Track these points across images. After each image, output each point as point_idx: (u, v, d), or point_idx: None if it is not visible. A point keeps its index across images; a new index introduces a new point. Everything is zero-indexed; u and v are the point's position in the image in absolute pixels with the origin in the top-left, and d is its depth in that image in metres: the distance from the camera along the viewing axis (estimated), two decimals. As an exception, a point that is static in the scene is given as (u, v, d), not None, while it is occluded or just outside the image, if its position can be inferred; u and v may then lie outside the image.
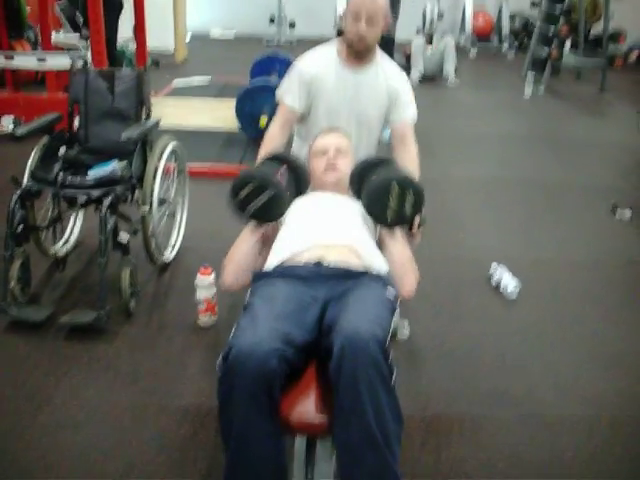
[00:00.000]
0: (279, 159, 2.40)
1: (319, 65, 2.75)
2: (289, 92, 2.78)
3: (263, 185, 2.13)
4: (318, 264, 2.01)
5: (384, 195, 2.12)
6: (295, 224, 2.24)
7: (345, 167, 2.44)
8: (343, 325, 1.67)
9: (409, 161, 2.71)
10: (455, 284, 3.40)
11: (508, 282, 3.31)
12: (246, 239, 2.20)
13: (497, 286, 3.36)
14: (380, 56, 2.79)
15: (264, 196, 2.13)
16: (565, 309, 3.25)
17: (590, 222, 4.37)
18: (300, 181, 2.40)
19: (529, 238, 4.06)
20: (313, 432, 1.75)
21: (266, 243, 2.25)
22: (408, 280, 2.12)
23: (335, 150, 2.46)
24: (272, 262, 2.10)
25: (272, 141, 2.74)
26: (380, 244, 2.24)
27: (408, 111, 2.81)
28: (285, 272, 2.01)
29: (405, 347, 2.80)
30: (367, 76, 2.75)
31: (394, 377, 1.66)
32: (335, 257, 2.03)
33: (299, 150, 2.93)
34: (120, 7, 6.68)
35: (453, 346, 2.88)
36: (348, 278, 1.95)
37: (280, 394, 1.67)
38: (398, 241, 2.18)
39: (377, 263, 2.10)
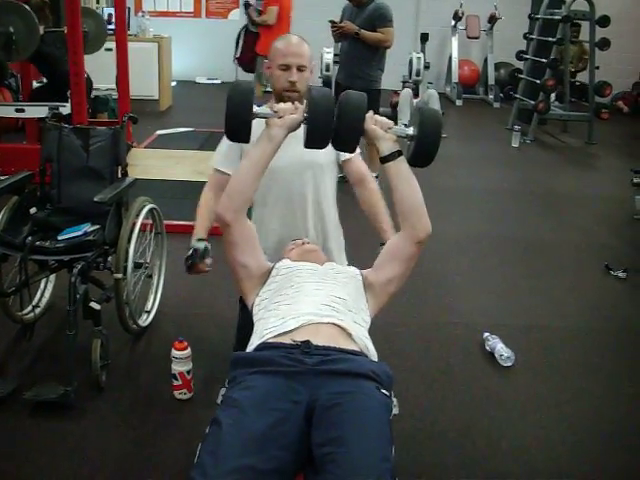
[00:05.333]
0: None
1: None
2: (220, 156, 2.53)
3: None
4: (306, 344, 1.84)
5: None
6: (279, 299, 2.06)
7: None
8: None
9: (376, 198, 2.49)
10: (446, 353, 3.23)
11: (502, 352, 3.15)
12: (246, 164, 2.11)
13: (491, 352, 3.20)
14: None
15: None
16: (563, 381, 3.08)
17: (583, 283, 4.23)
18: None
19: (521, 302, 3.89)
20: None
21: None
22: (425, 221, 2.06)
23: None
24: (254, 342, 1.94)
25: (208, 208, 2.47)
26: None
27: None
28: (265, 361, 1.83)
29: (393, 427, 2.61)
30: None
31: None
32: (323, 339, 1.88)
33: (261, 217, 2.57)
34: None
35: (446, 426, 2.69)
36: (338, 373, 1.78)
37: None
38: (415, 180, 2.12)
39: (369, 344, 1.95)
